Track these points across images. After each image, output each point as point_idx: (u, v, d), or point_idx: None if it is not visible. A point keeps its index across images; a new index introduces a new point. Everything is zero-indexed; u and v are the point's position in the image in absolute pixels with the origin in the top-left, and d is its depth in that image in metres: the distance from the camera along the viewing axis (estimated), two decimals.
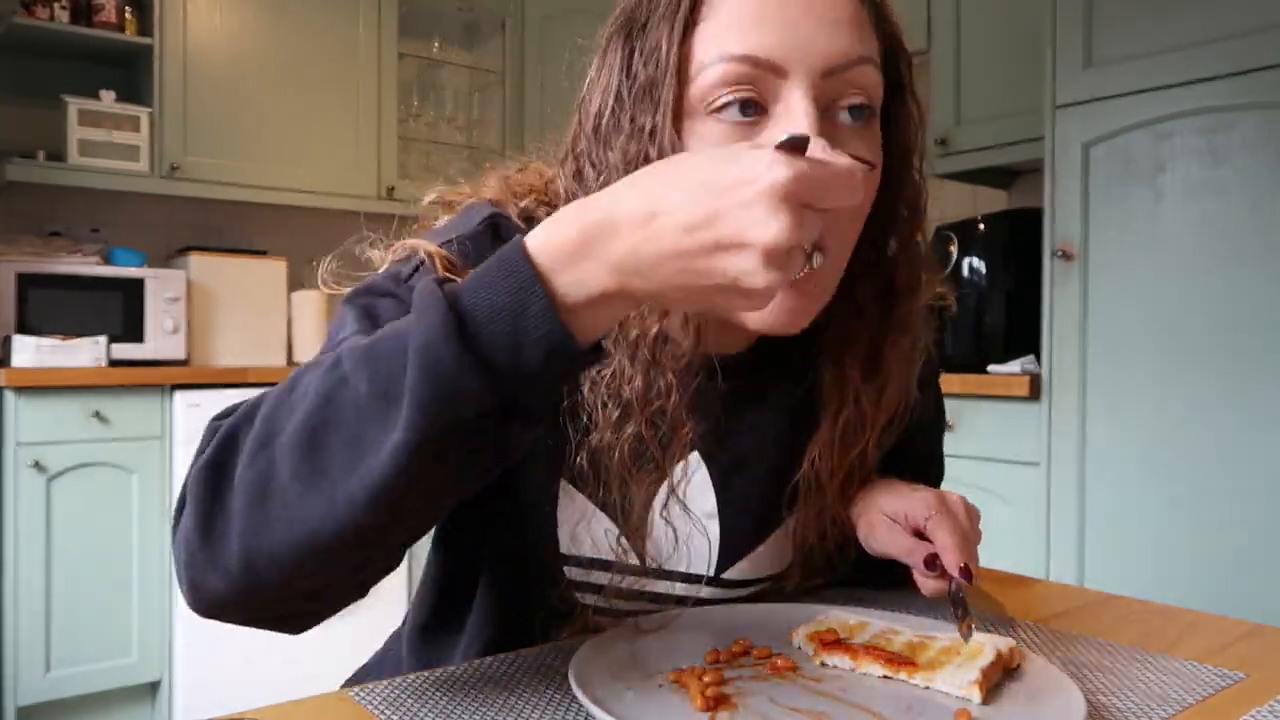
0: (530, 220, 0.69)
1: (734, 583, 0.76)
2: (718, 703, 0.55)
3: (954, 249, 2.46)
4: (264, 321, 2.98)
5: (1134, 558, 1.94)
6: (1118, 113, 1.96)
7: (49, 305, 2.64)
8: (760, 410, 0.75)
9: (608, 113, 0.66)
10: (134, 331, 2.75)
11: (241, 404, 0.55)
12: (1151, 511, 1.91)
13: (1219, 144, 1.83)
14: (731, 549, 0.75)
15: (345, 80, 3.22)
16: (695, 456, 0.72)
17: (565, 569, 0.72)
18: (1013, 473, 2.15)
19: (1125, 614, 0.77)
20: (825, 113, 0.62)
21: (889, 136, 0.68)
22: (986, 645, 0.60)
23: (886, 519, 0.73)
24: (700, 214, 0.44)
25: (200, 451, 0.53)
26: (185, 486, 0.53)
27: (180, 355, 2.82)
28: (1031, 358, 2.21)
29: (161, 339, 2.79)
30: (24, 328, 2.58)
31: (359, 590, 0.56)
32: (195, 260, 2.92)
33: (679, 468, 0.70)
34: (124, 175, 2.82)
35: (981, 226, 2.46)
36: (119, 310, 2.73)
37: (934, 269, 0.75)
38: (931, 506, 0.70)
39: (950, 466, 2.37)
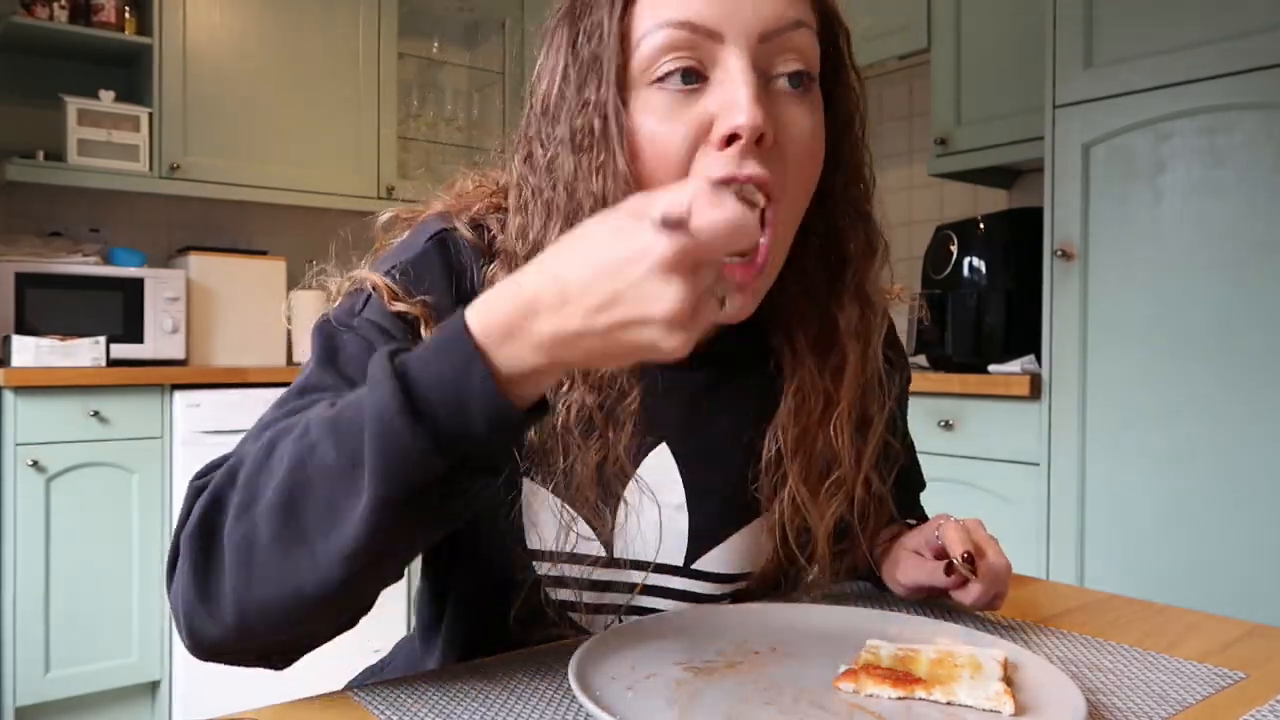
0: (479, 228, 0.71)
1: (708, 575, 0.75)
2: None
3: (954, 249, 2.46)
4: (264, 321, 2.98)
5: (1134, 558, 1.94)
6: (1118, 113, 1.96)
7: (49, 305, 2.64)
8: (727, 401, 0.75)
9: (554, 92, 0.67)
10: (133, 331, 2.75)
11: (218, 462, 0.59)
12: (1151, 511, 1.91)
13: (1219, 144, 1.83)
14: (702, 539, 0.74)
15: (345, 80, 3.22)
16: (663, 448, 0.73)
17: (536, 565, 0.71)
18: (1013, 473, 2.15)
19: (1125, 614, 0.77)
20: (765, 80, 0.63)
21: (829, 108, 0.69)
22: (982, 657, 0.59)
23: (912, 554, 0.75)
24: (601, 297, 0.45)
25: (185, 513, 0.56)
26: (176, 544, 0.56)
27: (180, 355, 2.82)
28: (1031, 357, 2.21)
29: (161, 339, 2.79)
30: (23, 328, 2.58)
31: (348, 625, 0.59)
32: (195, 260, 2.92)
33: (648, 460, 0.72)
34: (124, 175, 2.82)
35: (981, 226, 2.45)
36: (119, 310, 2.73)
37: (886, 241, 0.74)
38: (941, 523, 0.73)
39: (950, 466, 2.37)
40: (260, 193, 3.07)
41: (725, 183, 0.59)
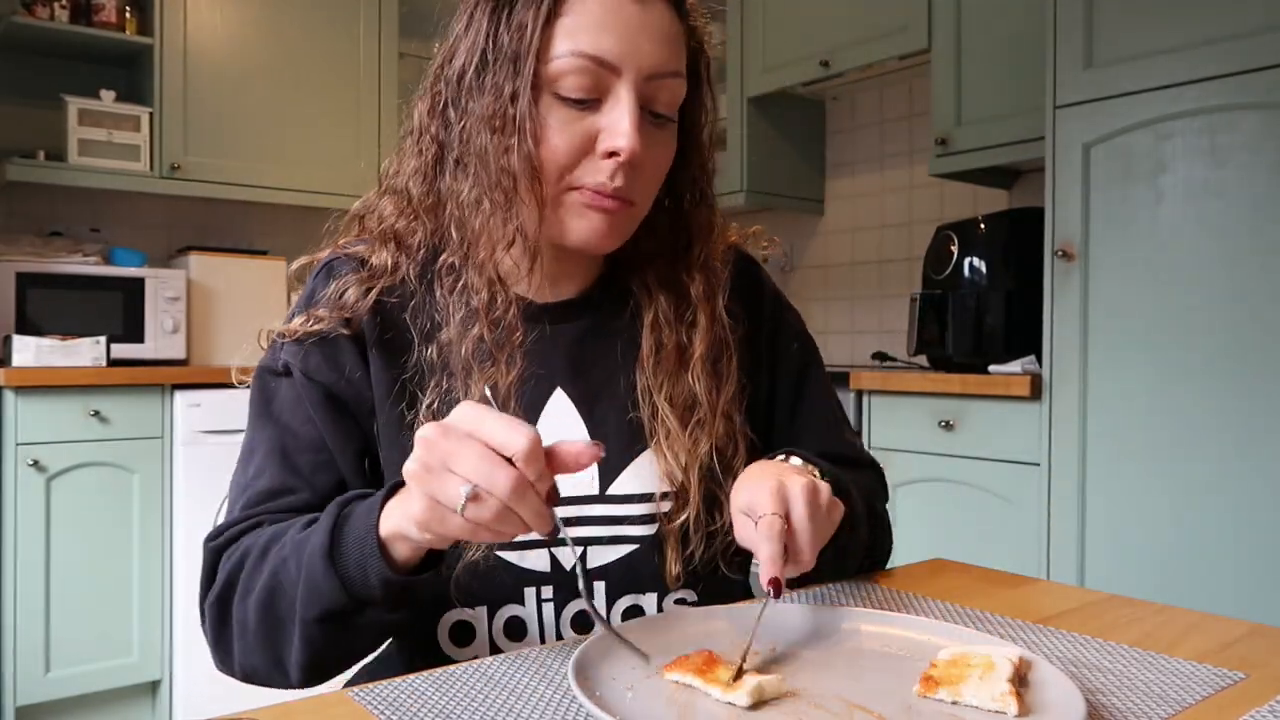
0: (372, 239, 0.85)
1: (625, 497, 0.83)
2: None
3: (954, 249, 2.46)
4: (264, 321, 2.94)
5: (1134, 558, 1.94)
6: (1118, 113, 1.96)
7: (49, 305, 2.64)
8: (604, 344, 0.87)
9: (471, 69, 0.78)
10: (134, 331, 2.75)
11: (224, 526, 0.78)
12: (1152, 511, 1.91)
13: (1219, 144, 1.83)
14: (609, 466, 0.84)
15: (345, 80, 3.23)
16: (559, 392, 0.84)
17: None
18: (1013, 473, 2.15)
19: (1125, 614, 0.77)
20: (642, 108, 0.77)
21: (687, 116, 0.84)
22: (996, 657, 0.59)
23: (740, 514, 0.71)
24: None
25: (207, 573, 0.76)
26: (205, 592, 0.76)
27: (180, 355, 2.82)
28: (1032, 358, 2.21)
29: (161, 339, 2.79)
30: (24, 328, 2.58)
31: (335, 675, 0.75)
32: (195, 260, 2.92)
33: (549, 404, 0.83)
34: (124, 175, 2.83)
35: (982, 226, 2.45)
36: (119, 310, 2.73)
37: (723, 219, 0.91)
38: (767, 505, 0.67)
39: (950, 466, 2.37)
40: (260, 193, 3.08)
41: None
